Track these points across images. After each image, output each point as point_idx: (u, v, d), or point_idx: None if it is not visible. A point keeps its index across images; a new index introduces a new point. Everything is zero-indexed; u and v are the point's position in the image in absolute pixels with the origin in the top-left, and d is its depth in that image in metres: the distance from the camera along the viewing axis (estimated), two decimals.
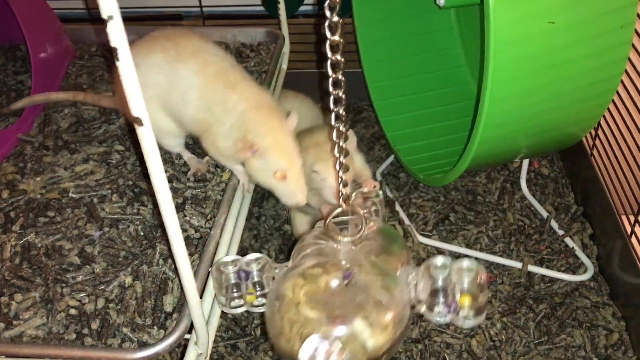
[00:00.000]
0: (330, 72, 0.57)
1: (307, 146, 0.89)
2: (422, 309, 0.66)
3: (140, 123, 0.51)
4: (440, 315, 0.66)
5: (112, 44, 0.47)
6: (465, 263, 0.65)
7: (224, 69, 0.83)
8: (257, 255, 0.69)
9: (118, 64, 0.48)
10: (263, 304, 0.69)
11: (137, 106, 0.50)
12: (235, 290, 0.69)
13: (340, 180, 0.64)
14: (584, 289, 1.07)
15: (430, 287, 0.66)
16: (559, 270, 1.09)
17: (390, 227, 0.84)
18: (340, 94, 0.58)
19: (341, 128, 0.60)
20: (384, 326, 0.62)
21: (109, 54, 1.20)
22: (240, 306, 0.70)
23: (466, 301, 0.64)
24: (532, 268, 1.09)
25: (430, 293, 0.65)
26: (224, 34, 1.22)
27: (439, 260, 0.65)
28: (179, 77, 0.82)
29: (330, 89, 0.58)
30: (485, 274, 0.68)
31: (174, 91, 0.82)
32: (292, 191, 0.80)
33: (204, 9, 1.49)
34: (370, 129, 1.44)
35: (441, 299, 0.65)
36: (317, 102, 1.38)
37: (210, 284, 0.75)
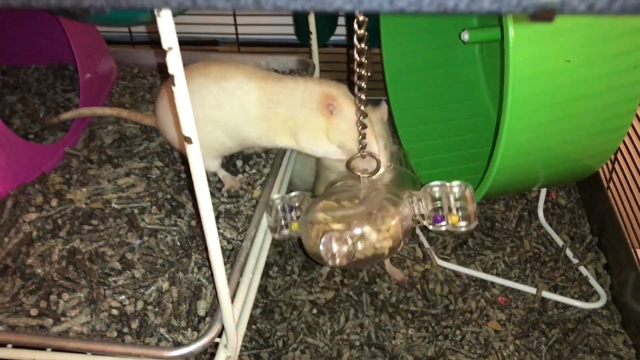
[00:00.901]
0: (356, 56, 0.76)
1: None
2: (426, 222, 0.87)
3: (190, 142, 0.57)
4: (439, 227, 0.87)
5: (171, 71, 0.54)
6: (455, 183, 0.86)
7: (267, 72, 0.94)
8: (298, 192, 0.91)
9: (174, 89, 0.54)
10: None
11: (188, 127, 0.57)
12: (283, 220, 0.91)
13: (359, 127, 0.84)
14: (596, 316, 1.10)
15: (431, 204, 0.86)
16: (572, 297, 1.12)
17: (408, 171, 0.98)
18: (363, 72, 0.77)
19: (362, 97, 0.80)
20: (388, 230, 0.83)
21: (150, 76, 1.29)
22: (288, 232, 0.91)
23: (454, 218, 0.86)
24: (546, 294, 1.13)
25: (432, 209, 0.86)
26: (257, 61, 1.29)
27: (436, 183, 0.87)
28: (231, 90, 0.90)
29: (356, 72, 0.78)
30: (471, 189, 0.86)
31: (227, 104, 0.90)
32: (373, 139, 0.89)
33: (239, 35, 1.57)
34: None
35: (439, 214, 0.86)
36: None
37: (240, 292, 0.81)
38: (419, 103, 1.41)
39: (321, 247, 0.81)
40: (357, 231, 0.81)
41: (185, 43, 1.60)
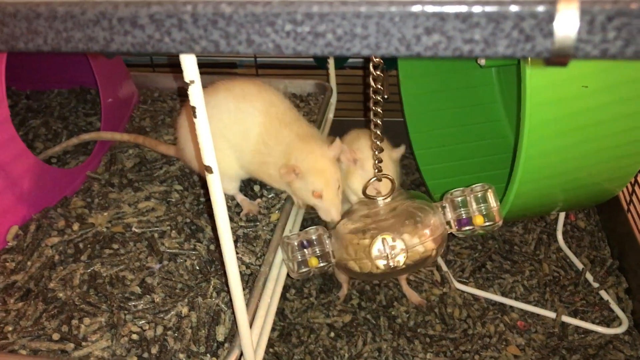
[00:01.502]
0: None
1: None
2: (452, 228, 0.90)
3: (210, 171, 0.58)
4: (464, 232, 0.90)
5: (192, 104, 0.55)
6: (477, 187, 0.89)
7: (284, 110, 0.95)
8: (314, 227, 0.90)
9: (196, 120, 0.56)
10: (324, 265, 0.90)
11: (209, 157, 0.58)
12: (300, 257, 0.89)
13: (375, 155, 0.88)
14: (618, 342, 1.08)
15: (453, 211, 0.89)
16: (593, 322, 1.11)
17: (419, 193, 0.99)
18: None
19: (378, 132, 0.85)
20: (426, 236, 0.87)
21: (171, 100, 1.31)
22: (307, 270, 0.89)
23: (478, 220, 0.88)
24: (566, 319, 1.11)
25: (456, 215, 0.89)
26: (276, 84, 1.31)
27: (457, 189, 0.90)
28: (245, 114, 0.93)
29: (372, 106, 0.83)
30: (493, 190, 0.89)
31: (236, 127, 0.94)
32: (327, 209, 0.90)
33: (258, 58, 1.59)
34: (410, 176, 1.50)
35: (463, 217, 0.89)
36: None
37: (258, 317, 0.81)
38: (436, 125, 1.41)
39: (374, 252, 0.84)
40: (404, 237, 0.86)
41: (204, 65, 1.62)
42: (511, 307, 1.15)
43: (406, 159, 1.56)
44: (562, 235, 1.28)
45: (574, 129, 0.88)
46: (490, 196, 0.88)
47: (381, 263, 0.85)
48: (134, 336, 0.77)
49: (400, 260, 0.85)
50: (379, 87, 0.81)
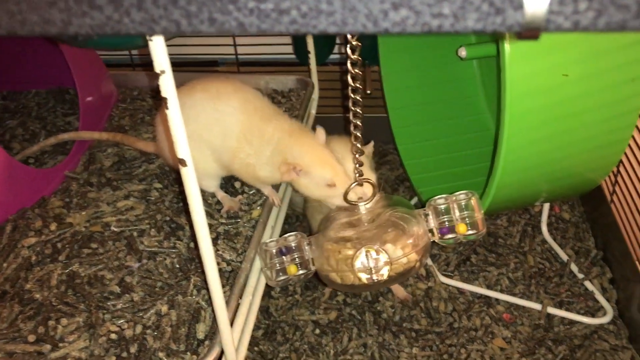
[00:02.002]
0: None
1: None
2: (434, 236, 0.88)
3: (184, 164, 0.57)
4: (446, 241, 0.89)
5: (163, 94, 0.54)
6: (460, 193, 0.88)
7: (261, 105, 0.93)
8: (293, 233, 0.87)
9: (167, 112, 0.54)
10: (302, 273, 0.87)
11: (182, 149, 0.57)
12: (278, 265, 0.86)
13: (355, 161, 0.84)
14: (603, 332, 1.08)
15: (436, 218, 0.87)
16: (578, 313, 1.11)
17: (400, 197, 0.96)
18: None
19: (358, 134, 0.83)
20: (409, 246, 0.84)
21: (150, 98, 1.29)
22: (285, 277, 0.86)
23: (461, 228, 0.87)
24: (551, 310, 1.11)
25: (439, 223, 0.87)
26: (257, 81, 1.30)
27: (441, 197, 0.88)
28: (222, 113, 0.90)
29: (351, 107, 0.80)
30: (477, 197, 0.88)
31: (215, 126, 0.91)
32: (342, 194, 0.87)
33: (239, 56, 1.58)
34: (395, 171, 1.50)
35: (446, 226, 0.87)
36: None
37: (240, 314, 0.80)
38: (419, 119, 1.41)
39: (357, 265, 0.82)
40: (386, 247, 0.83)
41: (185, 64, 1.61)
42: (497, 299, 1.15)
43: (390, 155, 1.55)
44: (547, 227, 1.28)
45: (555, 118, 0.87)
46: (474, 204, 0.87)
47: (364, 276, 0.83)
48: (113, 336, 0.75)
49: (384, 273, 0.82)
50: (358, 85, 0.79)
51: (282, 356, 1.07)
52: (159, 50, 0.51)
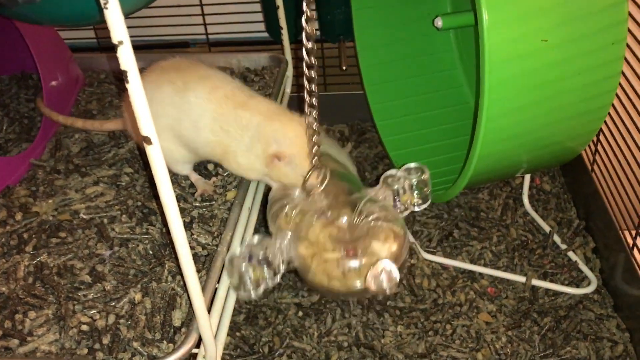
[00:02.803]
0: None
1: None
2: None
3: (149, 142, 0.53)
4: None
5: (123, 67, 0.50)
6: (412, 165, 0.87)
7: (232, 90, 0.86)
8: (257, 237, 0.78)
9: (128, 86, 0.51)
10: (271, 276, 0.78)
11: (146, 126, 0.53)
12: (248, 279, 0.76)
13: (311, 142, 0.77)
14: (587, 301, 1.07)
15: (389, 192, 0.86)
16: (562, 284, 1.10)
17: (345, 172, 0.91)
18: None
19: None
20: (391, 235, 0.78)
21: (118, 81, 1.24)
22: (259, 287, 0.77)
23: (407, 199, 0.87)
24: (536, 282, 1.10)
25: (393, 198, 0.86)
26: (228, 59, 1.25)
27: (392, 171, 0.87)
28: (190, 105, 0.85)
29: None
30: (428, 171, 0.87)
31: (185, 120, 0.85)
32: (312, 183, 0.81)
33: (210, 36, 1.53)
34: (373, 149, 1.47)
35: (397, 199, 0.87)
36: (330, 123, 1.42)
37: (218, 299, 0.77)
38: (397, 95, 1.38)
39: (372, 286, 0.73)
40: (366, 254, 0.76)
41: (155, 47, 1.56)
42: (480, 274, 1.13)
43: (368, 132, 1.52)
44: (528, 199, 1.26)
45: (536, 85, 0.85)
46: (425, 178, 0.87)
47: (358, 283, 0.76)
48: (84, 327, 0.72)
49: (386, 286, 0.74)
50: (312, 61, 0.70)
51: (265, 340, 1.04)
52: (115, 19, 0.47)
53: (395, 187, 0.86)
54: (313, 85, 0.72)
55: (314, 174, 0.80)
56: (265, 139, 0.82)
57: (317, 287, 0.80)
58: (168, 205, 0.57)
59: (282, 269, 0.79)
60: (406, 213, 0.88)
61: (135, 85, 0.51)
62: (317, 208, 0.81)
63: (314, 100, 0.74)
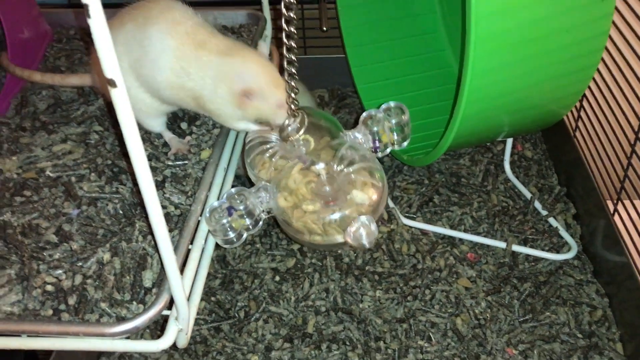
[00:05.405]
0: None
1: None
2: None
3: (113, 84, 0.49)
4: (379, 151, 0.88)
5: (84, 0, 0.46)
6: (392, 104, 0.87)
7: (193, 27, 0.81)
8: (236, 189, 0.78)
9: (90, 21, 0.46)
10: (253, 225, 0.79)
11: (110, 67, 0.49)
12: (230, 229, 0.77)
13: (290, 98, 0.76)
14: (567, 267, 1.07)
15: (369, 134, 0.85)
16: (543, 250, 1.09)
17: (322, 112, 0.88)
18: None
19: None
20: (369, 181, 0.78)
21: (88, 38, 1.19)
22: (241, 236, 0.78)
23: (387, 141, 0.87)
24: (516, 248, 1.09)
25: (372, 139, 0.86)
26: (205, 16, 1.19)
27: (371, 111, 0.86)
28: (150, 40, 0.79)
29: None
30: (407, 111, 0.87)
31: (146, 58, 0.80)
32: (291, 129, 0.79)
33: None
34: (354, 114, 1.44)
35: (376, 140, 0.86)
36: (310, 88, 1.38)
37: (192, 260, 0.74)
38: (378, 58, 1.34)
39: (349, 240, 0.72)
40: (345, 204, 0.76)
41: (129, 4, 1.49)
42: (460, 239, 1.12)
43: (349, 98, 1.49)
44: (510, 166, 1.24)
45: (522, 42, 0.82)
46: (405, 118, 0.86)
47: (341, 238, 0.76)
48: (49, 287, 0.68)
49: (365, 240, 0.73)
50: (292, 15, 0.67)
51: (241, 305, 1.02)
52: None
53: (375, 129, 0.85)
54: (292, 42, 0.70)
55: (291, 119, 0.78)
56: (228, 77, 0.78)
57: (298, 239, 0.79)
58: (134, 153, 0.53)
59: (264, 216, 0.79)
60: (387, 151, 0.89)
61: (97, 21, 0.47)
62: (297, 154, 0.79)
63: (293, 56, 0.71)
